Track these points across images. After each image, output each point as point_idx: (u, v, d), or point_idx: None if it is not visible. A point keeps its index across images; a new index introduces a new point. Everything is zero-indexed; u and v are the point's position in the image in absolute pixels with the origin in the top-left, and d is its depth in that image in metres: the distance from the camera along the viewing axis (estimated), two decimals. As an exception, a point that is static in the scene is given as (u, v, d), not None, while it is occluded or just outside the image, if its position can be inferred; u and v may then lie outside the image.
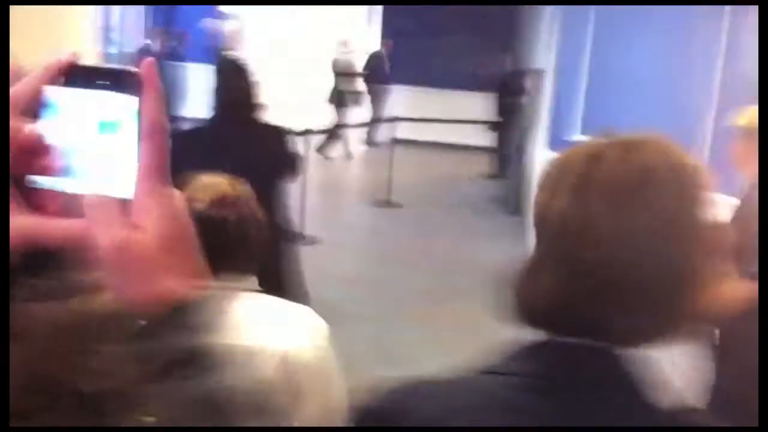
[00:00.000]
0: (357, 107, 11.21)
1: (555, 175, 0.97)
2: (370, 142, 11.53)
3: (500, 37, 11.41)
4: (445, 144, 11.84)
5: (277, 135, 3.41)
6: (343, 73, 11.02)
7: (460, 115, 10.62)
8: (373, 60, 11.78)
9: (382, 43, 12.31)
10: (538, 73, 7.69)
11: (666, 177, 0.91)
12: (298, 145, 3.77)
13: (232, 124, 3.22)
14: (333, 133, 10.49)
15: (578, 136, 6.09)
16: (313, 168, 7.56)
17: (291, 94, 10.84)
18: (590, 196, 0.91)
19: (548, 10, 7.43)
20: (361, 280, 5.95)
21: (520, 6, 10.93)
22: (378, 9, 12.98)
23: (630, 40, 5.60)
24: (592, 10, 5.87)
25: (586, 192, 0.92)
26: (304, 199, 6.55)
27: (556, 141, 6.36)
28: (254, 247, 1.66)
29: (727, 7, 4.30)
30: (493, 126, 10.24)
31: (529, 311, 0.96)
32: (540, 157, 6.67)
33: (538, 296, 0.95)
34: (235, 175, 3.08)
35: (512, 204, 8.03)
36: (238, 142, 3.12)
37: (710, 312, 0.94)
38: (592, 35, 5.92)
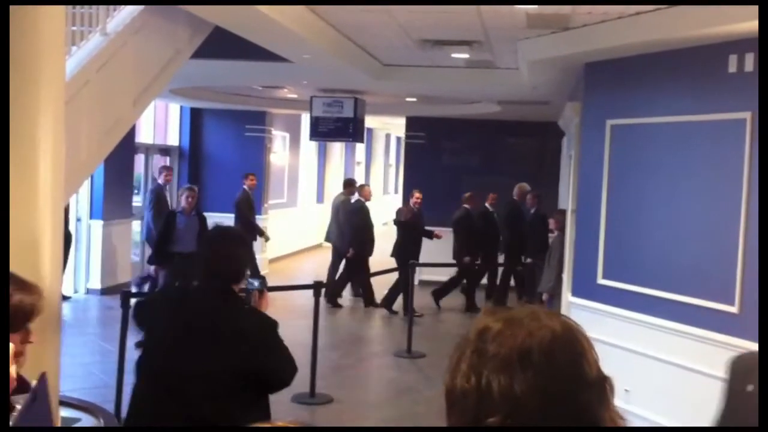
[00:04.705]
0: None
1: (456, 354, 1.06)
2: None
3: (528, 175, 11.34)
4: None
5: (261, 327, 2.72)
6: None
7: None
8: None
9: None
10: (563, 213, 7.56)
11: (548, 345, 1.01)
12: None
13: (208, 295, 2.75)
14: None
15: (601, 281, 5.85)
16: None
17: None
18: (482, 369, 1.01)
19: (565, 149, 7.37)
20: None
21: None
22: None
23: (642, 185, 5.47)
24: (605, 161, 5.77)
25: (479, 366, 1.01)
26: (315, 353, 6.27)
27: (579, 286, 6.13)
28: None
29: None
30: None
31: None
32: (567, 302, 6.42)
33: None
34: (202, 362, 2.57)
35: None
36: (212, 320, 2.70)
37: None
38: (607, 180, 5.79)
